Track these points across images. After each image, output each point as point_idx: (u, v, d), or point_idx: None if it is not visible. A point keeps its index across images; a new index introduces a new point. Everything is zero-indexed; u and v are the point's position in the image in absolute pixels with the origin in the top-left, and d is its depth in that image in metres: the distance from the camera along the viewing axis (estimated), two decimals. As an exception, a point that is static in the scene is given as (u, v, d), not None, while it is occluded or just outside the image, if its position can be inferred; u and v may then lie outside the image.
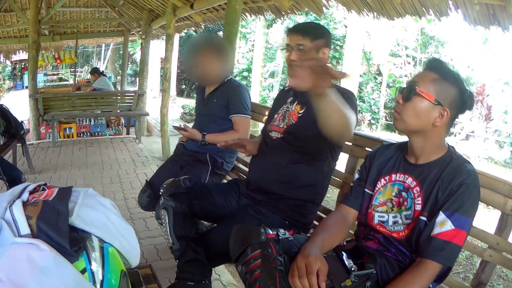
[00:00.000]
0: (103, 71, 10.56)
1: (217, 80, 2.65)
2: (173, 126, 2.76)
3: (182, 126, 2.63)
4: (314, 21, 2.15)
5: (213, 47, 2.54)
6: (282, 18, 5.10)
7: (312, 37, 1.90)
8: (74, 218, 0.89)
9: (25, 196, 0.94)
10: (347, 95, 1.83)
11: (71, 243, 0.85)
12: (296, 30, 1.95)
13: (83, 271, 0.85)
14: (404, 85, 1.47)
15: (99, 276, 0.88)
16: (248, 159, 2.33)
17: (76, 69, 16.40)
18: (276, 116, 2.09)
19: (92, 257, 0.88)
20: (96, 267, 0.88)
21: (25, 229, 0.83)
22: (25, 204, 0.89)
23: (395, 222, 1.49)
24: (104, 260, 0.90)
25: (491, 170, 1.64)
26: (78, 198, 0.96)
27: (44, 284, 0.75)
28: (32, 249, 0.78)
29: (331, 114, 1.41)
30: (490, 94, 16.50)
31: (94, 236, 0.92)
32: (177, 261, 1.97)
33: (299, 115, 1.97)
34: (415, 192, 1.44)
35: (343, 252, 1.43)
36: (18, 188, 0.99)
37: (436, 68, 1.43)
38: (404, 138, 1.61)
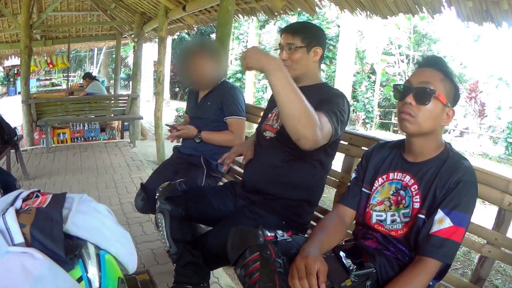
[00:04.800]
0: (95, 76, 10.52)
1: (211, 84, 2.63)
2: (166, 124, 2.74)
3: (174, 126, 2.62)
4: (307, 21, 2.14)
5: (205, 51, 2.52)
6: (274, 18, 5.09)
7: (302, 36, 1.91)
8: (68, 225, 0.87)
9: (18, 203, 0.92)
10: (333, 94, 1.82)
11: (66, 250, 0.83)
12: (286, 30, 1.96)
13: (79, 280, 0.83)
14: (413, 85, 1.39)
15: (95, 284, 0.86)
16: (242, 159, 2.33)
17: (69, 74, 16.32)
18: (270, 115, 2.09)
19: (88, 264, 0.86)
20: (92, 275, 0.86)
21: (18, 237, 0.81)
22: (18, 212, 0.87)
23: (393, 221, 1.48)
24: (101, 267, 0.89)
25: (485, 166, 1.64)
26: (72, 205, 0.94)
27: (40, 293, 0.74)
28: (26, 258, 0.76)
29: (283, 99, 1.39)
30: (483, 90, 16.60)
31: (89, 243, 0.90)
32: (174, 265, 1.96)
33: None
34: (413, 190, 1.44)
35: (342, 252, 1.43)
36: (11, 195, 0.97)
37: (441, 67, 1.41)
38: (398, 137, 1.60)
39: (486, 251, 1.56)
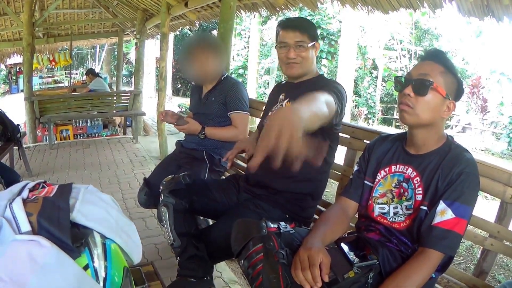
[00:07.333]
0: (98, 73, 10.52)
1: (214, 78, 2.65)
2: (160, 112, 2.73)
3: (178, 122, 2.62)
4: (303, 17, 2.11)
5: (205, 45, 2.55)
6: (276, 14, 5.08)
7: (309, 34, 1.91)
8: (75, 214, 0.89)
9: (25, 193, 0.93)
10: (331, 82, 1.88)
11: (73, 239, 0.84)
12: (293, 27, 1.93)
13: (85, 268, 0.84)
14: (412, 77, 1.41)
15: (102, 273, 0.87)
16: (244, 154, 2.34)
17: (71, 71, 16.34)
18: (270, 113, 2.11)
19: (94, 253, 0.87)
20: (98, 263, 0.87)
21: (25, 226, 0.82)
22: (25, 201, 0.88)
23: (395, 213, 1.49)
24: (107, 256, 0.90)
25: (488, 161, 1.65)
26: (78, 194, 0.95)
27: (46, 281, 0.74)
28: (33, 246, 0.77)
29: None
30: (486, 86, 16.54)
31: (95, 232, 0.91)
32: (178, 258, 1.97)
33: None
34: (415, 182, 1.44)
35: (345, 244, 1.44)
36: (17, 186, 0.98)
37: (442, 60, 1.42)
38: (400, 131, 1.60)
39: (489, 244, 1.56)
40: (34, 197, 0.92)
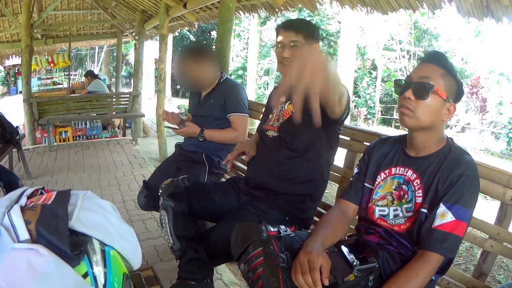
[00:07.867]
0: (97, 74, 10.53)
1: (209, 83, 2.66)
2: (165, 127, 2.76)
3: (179, 126, 2.62)
4: (302, 18, 2.08)
5: (193, 56, 2.55)
6: (275, 15, 5.09)
7: (304, 33, 1.92)
8: (73, 222, 0.88)
9: (23, 200, 0.93)
10: None
11: (72, 247, 0.83)
12: (288, 27, 1.96)
13: (84, 275, 0.84)
14: (412, 80, 1.40)
15: (101, 280, 0.87)
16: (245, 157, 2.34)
17: (70, 73, 16.34)
18: (271, 116, 2.11)
19: (93, 260, 0.87)
20: (98, 270, 0.87)
21: (24, 234, 0.81)
22: (23, 209, 0.88)
23: (395, 216, 1.48)
24: (106, 263, 0.89)
25: (488, 161, 1.65)
26: (77, 201, 0.95)
27: (46, 289, 0.74)
28: (32, 255, 0.77)
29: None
30: (485, 86, 16.56)
31: (94, 239, 0.91)
32: (178, 261, 1.97)
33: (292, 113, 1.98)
34: (415, 184, 1.44)
35: (344, 247, 1.43)
36: (15, 193, 0.98)
37: (441, 62, 1.41)
38: (400, 133, 1.60)
39: (489, 246, 1.56)
40: (32, 204, 0.91)
